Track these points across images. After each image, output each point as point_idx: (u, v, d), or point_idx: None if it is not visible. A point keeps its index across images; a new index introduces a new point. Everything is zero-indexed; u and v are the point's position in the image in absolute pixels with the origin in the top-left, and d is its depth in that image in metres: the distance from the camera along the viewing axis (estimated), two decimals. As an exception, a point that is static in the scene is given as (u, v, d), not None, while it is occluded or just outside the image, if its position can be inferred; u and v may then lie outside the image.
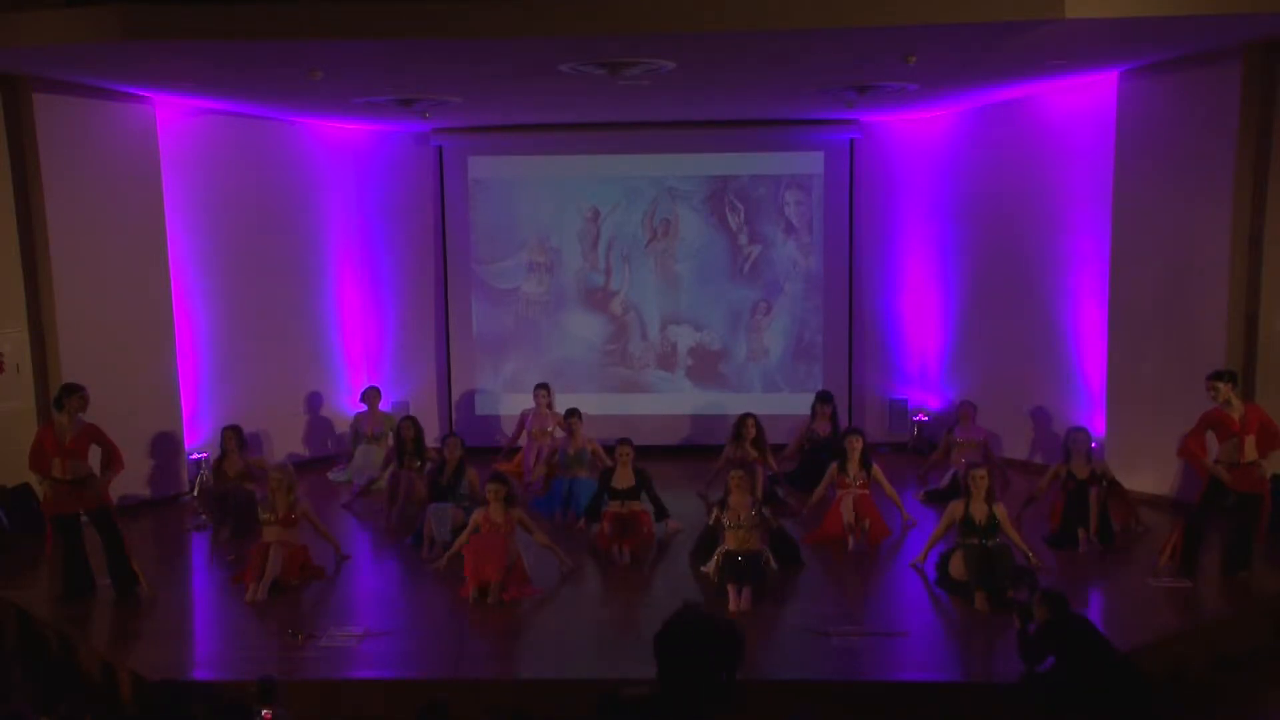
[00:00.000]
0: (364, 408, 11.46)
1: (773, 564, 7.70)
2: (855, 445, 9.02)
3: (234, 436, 9.69)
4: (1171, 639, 6.78)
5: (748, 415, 10.09)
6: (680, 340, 12.48)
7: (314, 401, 12.14)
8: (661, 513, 9.05)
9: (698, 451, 11.39)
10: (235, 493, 9.32)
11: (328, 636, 6.86)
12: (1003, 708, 6.00)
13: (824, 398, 11.02)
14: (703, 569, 7.84)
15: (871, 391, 12.54)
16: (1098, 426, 10.35)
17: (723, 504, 7.88)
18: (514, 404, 12.37)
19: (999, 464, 10.09)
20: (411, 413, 12.28)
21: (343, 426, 12.17)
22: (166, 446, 10.30)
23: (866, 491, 8.88)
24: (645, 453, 9.73)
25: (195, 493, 9.99)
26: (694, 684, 2.91)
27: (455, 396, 12.59)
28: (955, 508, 7.70)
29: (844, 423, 11.44)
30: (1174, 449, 7.82)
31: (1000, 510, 7.63)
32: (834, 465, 9.09)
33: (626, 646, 6.80)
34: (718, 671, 2.93)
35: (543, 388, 11.11)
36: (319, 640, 6.81)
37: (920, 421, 12.18)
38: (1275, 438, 7.53)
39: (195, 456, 10.60)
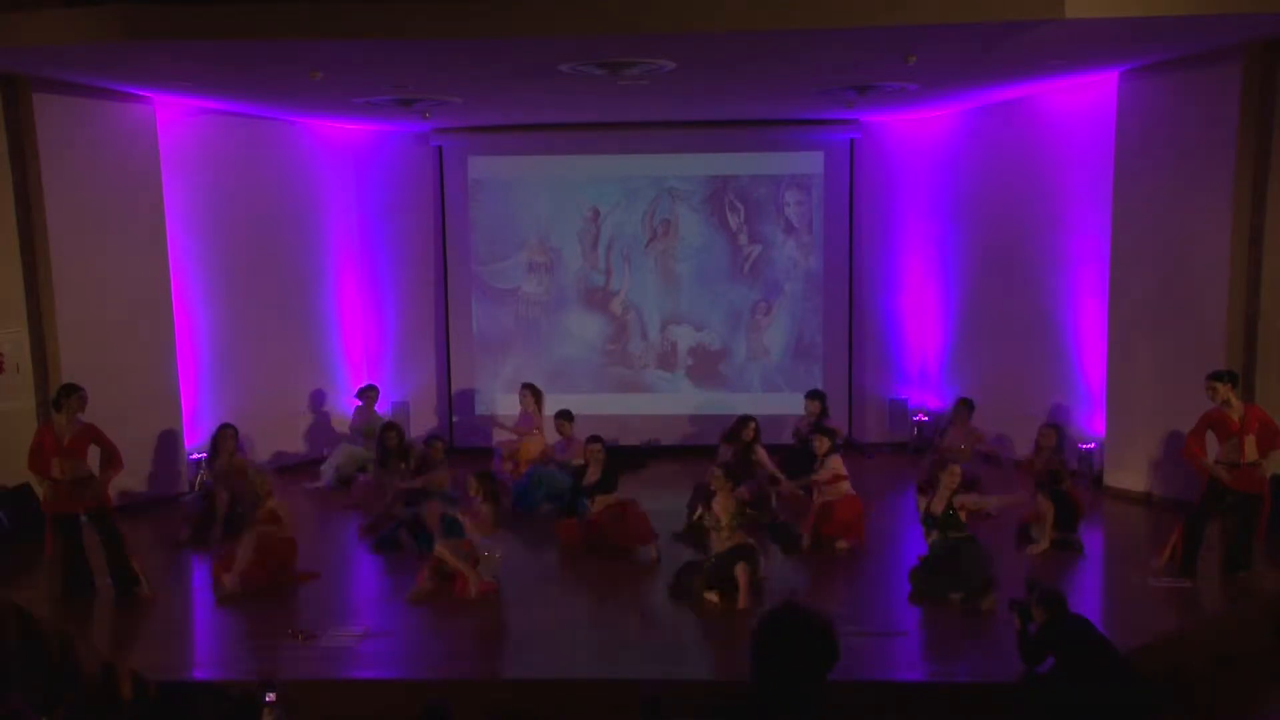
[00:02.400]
0: (359, 404, 11.48)
1: (760, 561, 7.57)
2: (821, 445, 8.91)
3: (233, 435, 9.72)
4: (1171, 639, 6.78)
5: (749, 418, 9.89)
6: (680, 340, 12.48)
7: (314, 401, 12.14)
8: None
9: (697, 451, 11.38)
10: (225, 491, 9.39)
11: (328, 636, 6.86)
12: (1003, 708, 6.00)
13: (811, 395, 10.94)
14: (706, 595, 7.45)
15: (871, 391, 12.54)
16: (1097, 426, 10.35)
17: (707, 504, 7.83)
18: (515, 404, 12.38)
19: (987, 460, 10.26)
20: (411, 413, 12.31)
21: (343, 426, 12.18)
22: (166, 446, 10.31)
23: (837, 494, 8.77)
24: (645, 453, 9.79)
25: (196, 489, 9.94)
26: (789, 684, 2.91)
27: (455, 396, 12.59)
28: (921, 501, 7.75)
29: (839, 421, 11.40)
30: (1174, 449, 7.82)
31: (963, 501, 7.52)
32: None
33: (627, 646, 6.81)
34: (813, 671, 2.92)
35: (529, 389, 11.07)
36: (319, 640, 6.81)
37: (920, 421, 12.18)
38: (1275, 438, 7.53)
39: (195, 456, 10.61)
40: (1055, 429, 9.61)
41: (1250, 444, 7.46)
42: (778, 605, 3.02)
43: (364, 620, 7.19)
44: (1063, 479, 8.67)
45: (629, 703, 5.87)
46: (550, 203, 12.38)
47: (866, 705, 6.11)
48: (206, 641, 7.27)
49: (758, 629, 2.99)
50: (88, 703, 6.40)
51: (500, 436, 11.49)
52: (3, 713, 5.78)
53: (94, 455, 7.73)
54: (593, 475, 9.02)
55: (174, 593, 7.96)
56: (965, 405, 10.52)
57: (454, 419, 12.56)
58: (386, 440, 10.06)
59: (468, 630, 7.11)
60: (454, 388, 12.59)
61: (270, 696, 5.45)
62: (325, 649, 6.71)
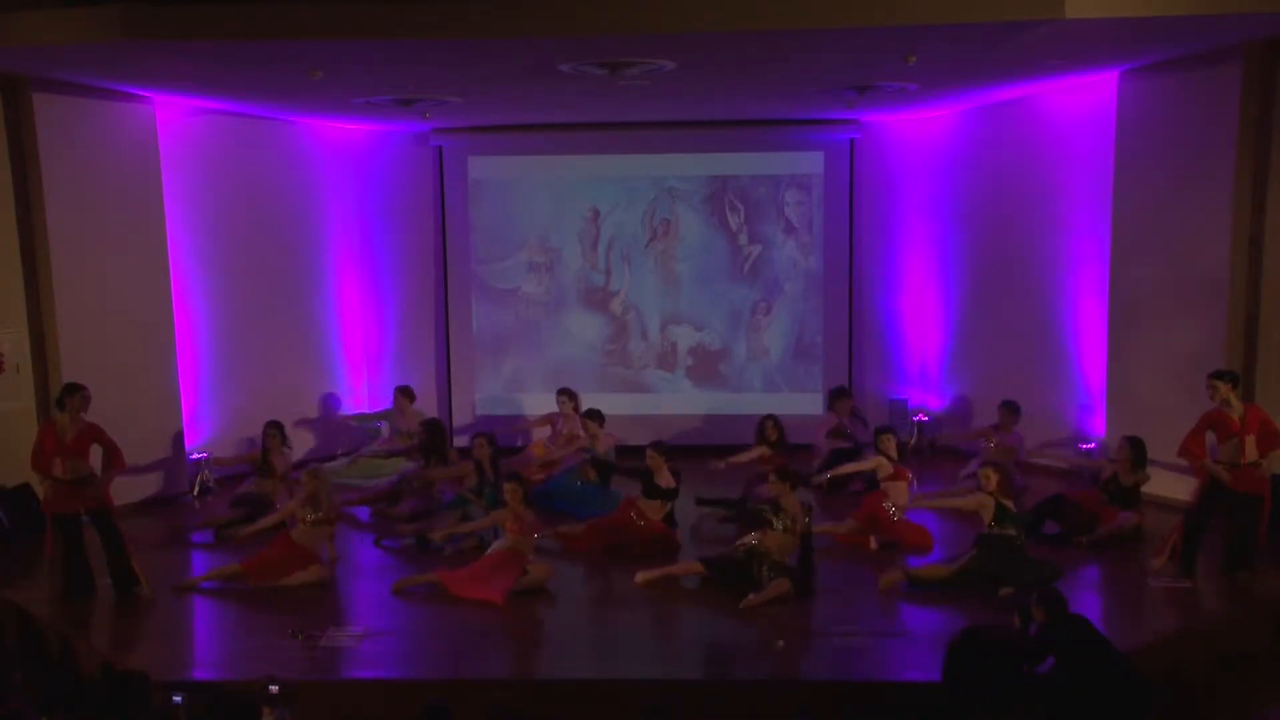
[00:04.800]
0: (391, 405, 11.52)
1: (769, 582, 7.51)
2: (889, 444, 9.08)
3: (278, 433, 9.77)
4: (1171, 639, 6.78)
5: (768, 417, 9.98)
6: (680, 340, 12.48)
7: (314, 400, 12.13)
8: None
9: (698, 452, 11.35)
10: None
11: (328, 636, 6.87)
12: (1003, 708, 6.00)
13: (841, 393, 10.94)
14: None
15: (871, 391, 12.52)
16: (1097, 426, 10.35)
17: (776, 508, 7.78)
18: (514, 404, 12.37)
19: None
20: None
21: (342, 425, 12.22)
22: (167, 446, 10.30)
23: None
24: (644, 453, 9.72)
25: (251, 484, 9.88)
26: (979, 697, 2.99)
27: (455, 396, 12.59)
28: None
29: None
30: (1174, 449, 7.81)
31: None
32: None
33: (630, 647, 6.82)
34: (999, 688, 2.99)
35: (566, 394, 11.06)
36: (319, 640, 6.82)
37: (920, 421, 12.17)
38: (1275, 438, 7.52)
39: (195, 456, 10.61)
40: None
41: (1250, 444, 7.46)
42: (969, 627, 3.09)
43: (364, 620, 7.19)
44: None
45: (630, 703, 5.87)
46: (550, 203, 12.38)
47: (867, 705, 6.11)
48: (206, 641, 7.27)
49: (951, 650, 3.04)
50: (88, 703, 6.39)
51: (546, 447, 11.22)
52: (3, 713, 5.78)
53: (95, 455, 7.73)
54: (666, 480, 8.89)
55: (174, 593, 7.96)
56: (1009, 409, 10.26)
57: (453, 418, 12.56)
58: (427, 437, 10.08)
59: (468, 630, 7.11)
60: (454, 387, 12.59)
61: (274, 688, 5.46)
62: (325, 649, 6.71)
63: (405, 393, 11.46)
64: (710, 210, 12.30)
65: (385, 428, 11.87)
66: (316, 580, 7.88)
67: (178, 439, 10.42)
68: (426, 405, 12.57)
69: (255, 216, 11.34)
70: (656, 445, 9.09)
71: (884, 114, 11.76)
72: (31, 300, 9.28)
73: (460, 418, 12.54)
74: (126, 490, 9.65)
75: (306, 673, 6.36)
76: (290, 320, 11.85)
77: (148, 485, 10.12)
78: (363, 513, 10.00)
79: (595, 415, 10.27)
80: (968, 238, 11.88)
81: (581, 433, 10.63)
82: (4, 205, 9.11)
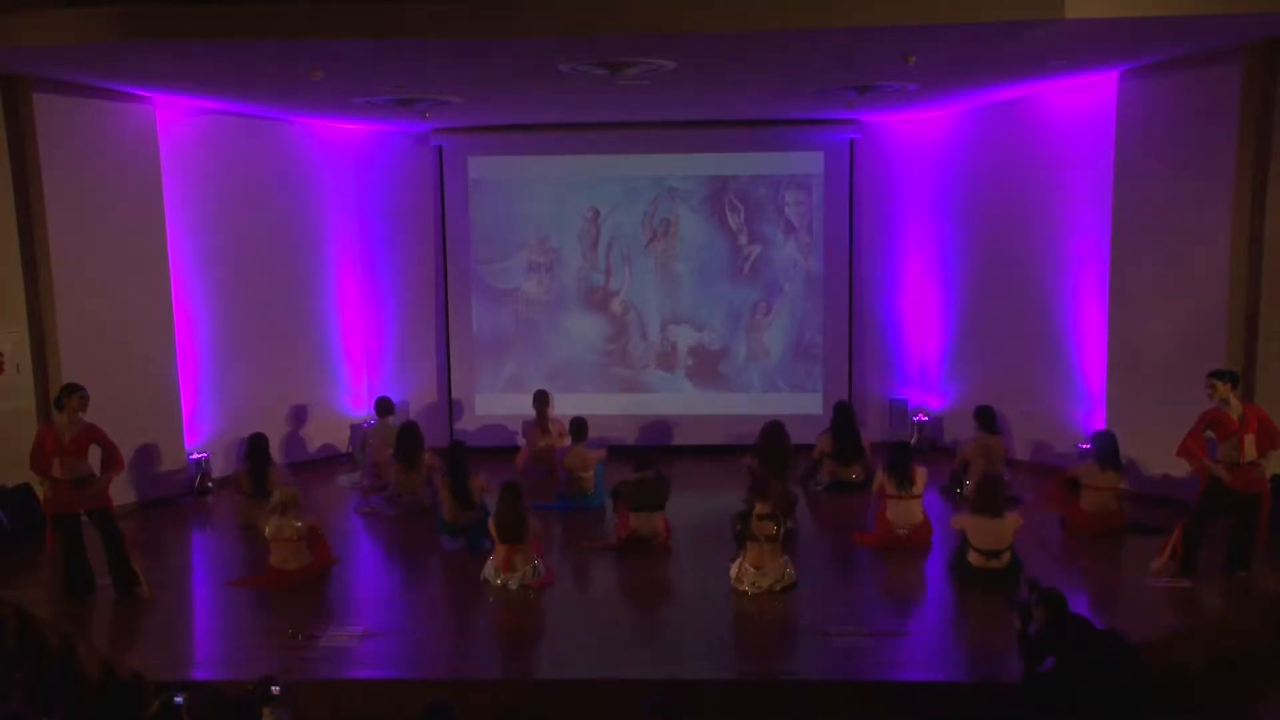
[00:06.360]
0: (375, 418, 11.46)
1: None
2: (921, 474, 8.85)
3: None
4: (1171, 639, 6.78)
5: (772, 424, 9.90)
6: (680, 340, 12.48)
7: (314, 401, 12.13)
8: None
9: (697, 452, 11.37)
10: None
11: (328, 636, 6.87)
12: (1003, 708, 6.00)
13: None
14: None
15: (872, 391, 12.54)
16: (1097, 426, 10.33)
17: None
18: (514, 405, 12.37)
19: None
20: (411, 413, 12.29)
21: (342, 426, 12.22)
22: (166, 447, 10.30)
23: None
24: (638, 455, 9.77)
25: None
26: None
27: (455, 397, 12.59)
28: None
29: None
30: (1174, 449, 7.82)
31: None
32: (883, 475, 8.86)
33: (631, 647, 6.81)
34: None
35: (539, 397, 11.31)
36: (319, 640, 6.82)
37: (921, 421, 12.18)
38: (1275, 437, 7.53)
39: (195, 456, 10.61)
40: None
41: (1250, 443, 7.46)
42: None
43: (364, 620, 7.19)
44: None
45: (631, 703, 5.87)
46: (550, 203, 12.37)
47: (867, 705, 6.12)
48: (206, 641, 7.27)
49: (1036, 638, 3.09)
50: (88, 703, 6.40)
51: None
52: (4, 713, 5.78)
53: (94, 455, 7.72)
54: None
55: (174, 593, 7.96)
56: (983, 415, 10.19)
57: (453, 419, 12.56)
58: (409, 441, 10.05)
59: (468, 630, 7.11)
60: (454, 388, 12.59)
61: (275, 689, 5.46)
62: (325, 649, 6.71)
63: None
64: (710, 210, 12.30)
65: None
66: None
67: (178, 439, 10.43)
68: (427, 406, 12.61)
69: (255, 216, 11.35)
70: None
71: (884, 114, 11.76)
72: (31, 300, 9.28)
73: (460, 418, 12.54)
74: (126, 490, 9.67)
75: (306, 673, 6.37)
76: (290, 320, 11.85)
77: (148, 485, 10.12)
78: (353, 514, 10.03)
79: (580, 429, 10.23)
80: (968, 237, 11.88)
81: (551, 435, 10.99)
82: (4, 205, 9.11)
